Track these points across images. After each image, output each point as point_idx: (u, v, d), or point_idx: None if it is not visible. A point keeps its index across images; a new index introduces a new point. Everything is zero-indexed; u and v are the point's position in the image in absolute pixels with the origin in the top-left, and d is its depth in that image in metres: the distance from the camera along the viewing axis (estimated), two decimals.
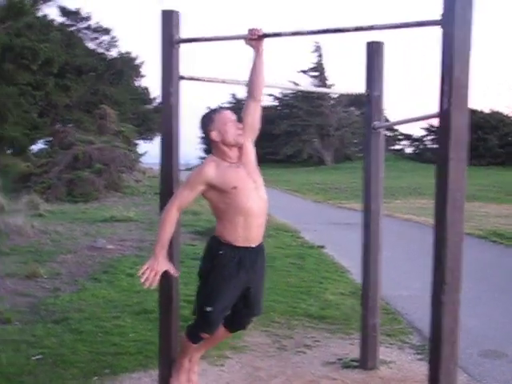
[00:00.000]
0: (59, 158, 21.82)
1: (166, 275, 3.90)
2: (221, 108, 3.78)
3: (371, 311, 4.84)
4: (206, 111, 3.73)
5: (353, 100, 59.32)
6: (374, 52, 4.68)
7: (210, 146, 3.73)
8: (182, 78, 3.97)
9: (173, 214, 3.54)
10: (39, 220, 14.30)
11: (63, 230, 13.19)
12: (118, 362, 4.90)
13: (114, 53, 38.87)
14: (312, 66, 58.06)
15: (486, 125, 48.93)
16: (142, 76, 40.28)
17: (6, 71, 27.18)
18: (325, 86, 53.50)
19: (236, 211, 3.56)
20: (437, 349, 3.22)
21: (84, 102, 33.90)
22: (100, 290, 7.60)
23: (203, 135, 3.71)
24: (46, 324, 6.01)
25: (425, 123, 52.97)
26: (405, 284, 8.26)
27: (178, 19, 3.87)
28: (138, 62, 38.88)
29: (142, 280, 3.45)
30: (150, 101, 40.88)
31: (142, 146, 42.96)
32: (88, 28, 37.78)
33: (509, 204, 22.51)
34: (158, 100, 42.35)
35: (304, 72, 58.18)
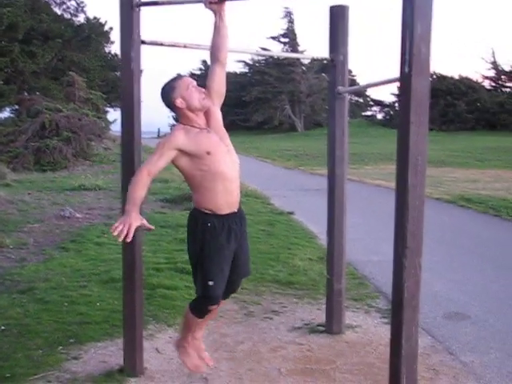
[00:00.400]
0: (26, 126, 21.47)
1: (129, 243, 3.86)
2: (180, 75, 3.69)
3: (336, 276, 4.86)
4: (166, 82, 3.62)
5: (324, 66, 59.15)
6: (338, 16, 4.61)
7: (177, 115, 3.64)
8: (143, 42, 3.87)
9: (143, 177, 3.36)
10: (6, 190, 14.13)
11: (30, 200, 13.05)
12: (83, 331, 4.87)
13: (81, 18, 38.21)
14: (282, 32, 57.66)
15: (455, 91, 49.33)
16: (112, 42, 39.50)
17: None
18: (296, 52, 53.24)
19: (214, 177, 3.47)
20: (398, 312, 3.23)
21: (51, 69, 33.29)
22: (67, 259, 7.54)
23: (167, 106, 3.59)
24: (11, 295, 5.94)
25: (395, 88, 53.24)
26: (375, 249, 8.33)
27: None
28: (106, 27, 38.18)
29: (115, 233, 3.19)
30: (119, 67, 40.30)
31: (112, 114, 42.42)
32: None
33: (477, 169, 22.74)
34: None
35: (274, 38, 57.83)
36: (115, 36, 40.52)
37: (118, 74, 38.77)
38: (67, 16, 37.72)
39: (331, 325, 4.91)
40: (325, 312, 5.04)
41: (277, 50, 55.03)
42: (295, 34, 57.09)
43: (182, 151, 3.42)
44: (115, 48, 38.71)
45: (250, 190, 15.09)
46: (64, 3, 37.45)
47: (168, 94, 3.54)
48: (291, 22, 57.13)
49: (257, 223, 10.33)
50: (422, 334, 4.88)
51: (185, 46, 3.98)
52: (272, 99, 54.93)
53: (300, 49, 54.62)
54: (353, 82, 63.09)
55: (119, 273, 6.49)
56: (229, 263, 3.62)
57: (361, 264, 7.36)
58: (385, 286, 6.38)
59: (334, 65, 4.65)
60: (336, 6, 4.62)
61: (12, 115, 32.29)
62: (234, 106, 54.78)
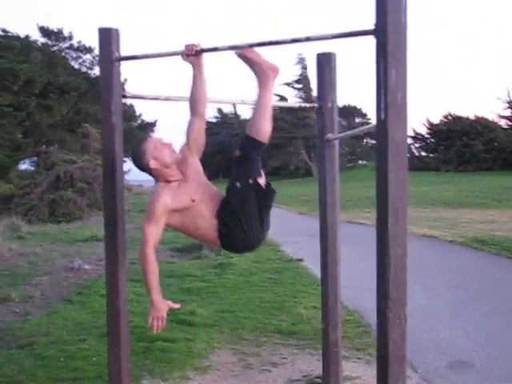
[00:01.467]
0: (41, 178, 21.69)
1: (111, 301, 3.83)
2: (145, 136, 3.71)
3: (332, 326, 4.74)
4: (135, 148, 3.61)
5: (339, 111, 59.59)
6: (325, 63, 4.60)
7: (154, 176, 3.63)
8: (124, 96, 3.89)
9: (151, 256, 3.42)
10: (19, 242, 14.18)
11: (42, 252, 13.08)
12: None
13: (96, 71, 38.83)
14: (296, 78, 58.21)
15: (471, 131, 49.14)
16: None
17: None
18: (310, 97, 53.68)
19: (205, 218, 3.50)
20: (384, 367, 3.13)
21: (67, 122, 33.82)
22: (71, 312, 7.50)
23: (144, 171, 3.60)
24: (10, 350, 5.90)
25: (411, 130, 53.27)
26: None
27: (117, 37, 3.79)
28: (121, 79, 38.73)
29: (154, 330, 3.51)
30: (135, 118, 40.85)
31: (127, 164, 42.80)
32: (70, 47, 37.78)
33: (494, 209, 22.51)
34: (143, 117, 42.52)
35: (288, 84, 58.36)
36: (130, 87, 41.22)
37: (134, 123, 39.39)
38: (83, 69, 38.47)
39: (328, 377, 4.76)
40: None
41: (291, 96, 55.43)
42: (308, 80, 57.64)
43: (170, 211, 3.43)
44: (129, 100, 39.29)
45: None
46: (80, 57, 38.26)
47: (140, 159, 3.54)
48: (304, 68, 57.80)
49: (264, 271, 10.25)
50: None
51: (167, 99, 3.98)
52: (287, 145, 55.19)
53: (314, 94, 55.01)
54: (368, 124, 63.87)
55: None
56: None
57: (368, 311, 7.21)
58: None
59: (322, 112, 4.62)
60: (322, 54, 4.61)
61: (30, 167, 32.87)
62: None
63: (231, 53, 3.56)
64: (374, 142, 63.65)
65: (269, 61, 3.58)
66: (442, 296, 7.72)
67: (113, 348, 3.90)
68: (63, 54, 37.13)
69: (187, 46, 3.52)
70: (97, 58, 38.92)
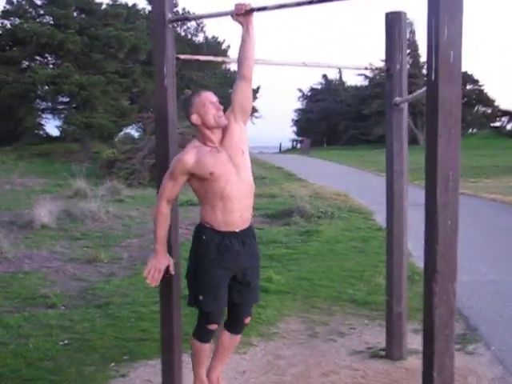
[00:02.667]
0: (143, 143, 22.21)
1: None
2: (201, 90, 3.62)
3: (396, 298, 4.58)
4: (186, 96, 3.59)
5: None
6: (394, 23, 4.38)
7: (195, 130, 3.59)
8: (178, 58, 3.84)
9: (164, 210, 3.50)
10: (117, 205, 14.60)
11: (137, 215, 13.42)
12: (139, 348, 4.89)
13: (200, 38, 39.34)
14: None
15: None
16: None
17: (94, 60, 27.96)
18: (418, 63, 52.09)
19: (214, 196, 3.45)
20: (429, 342, 2.95)
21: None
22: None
23: (187, 120, 3.57)
24: (88, 309, 6.10)
25: None
26: (469, 268, 7.82)
27: None
28: (224, 46, 39.07)
29: (148, 280, 3.51)
30: None
31: None
32: (176, 14, 38.33)
33: None
34: None
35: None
36: (233, 53, 41.40)
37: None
38: (188, 36, 38.95)
39: (391, 350, 4.63)
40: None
41: None
42: (417, 45, 55.78)
43: (190, 173, 3.41)
44: (234, 65, 39.42)
45: (355, 205, 14.81)
46: (185, 24, 38.70)
47: (185, 109, 3.53)
48: (412, 32, 55.91)
49: (351, 239, 10.08)
50: (493, 363, 4.55)
51: (223, 61, 3.89)
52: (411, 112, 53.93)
53: (422, 60, 53.32)
54: (480, 92, 61.25)
55: None
56: (224, 282, 3.57)
57: None
58: (468, 309, 5.99)
59: (390, 74, 4.41)
60: (392, 13, 4.39)
61: (137, 133, 33.82)
62: (354, 119, 54.33)
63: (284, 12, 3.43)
64: (485, 109, 61.22)
65: None
66: None
67: (164, 312, 3.92)
68: None
69: (237, 6, 3.42)
70: (202, 25, 39.46)
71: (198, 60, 4.00)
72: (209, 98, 3.49)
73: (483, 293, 6.59)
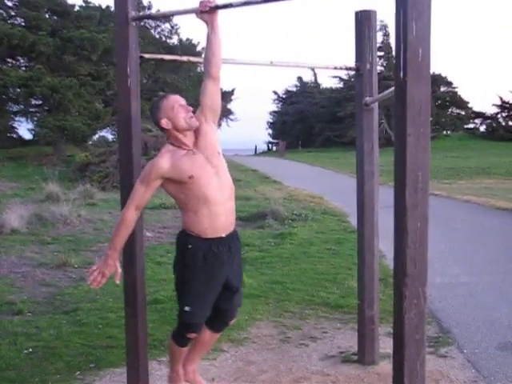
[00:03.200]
0: (117, 146, 22.00)
1: (127, 270, 3.73)
2: (168, 94, 3.51)
3: (368, 302, 4.51)
4: (153, 102, 3.47)
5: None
6: (363, 22, 4.30)
7: (165, 135, 3.47)
8: (142, 57, 3.73)
9: (130, 216, 3.31)
10: (89, 209, 14.40)
11: (109, 219, 13.23)
12: (106, 355, 4.76)
13: (175, 40, 39.09)
14: (378, 45, 56.71)
15: None
16: None
17: (67, 63, 27.66)
18: (392, 65, 52.24)
19: (197, 201, 3.32)
20: (399, 348, 2.88)
21: (146, 91, 34.13)
22: (122, 279, 7.50)
23: (156, 126, 3.46)
24: (55, 315, 5.95)
25: (498, 99, 51.32)
26: (442, 271, 7.80)
27: None
28: (199, 48, 38.82)
29: (89, 281, 3.31)
30: None
31: None
32: (139, 11, 38.04)
33: None
34: (221, 86, 42.50)
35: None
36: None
37: None
38: (162, 38, 38.72)
39: (363, 354, 4.55)
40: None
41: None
42: (391, 48, 55.98)
43: (165, 178, 3.26)
44: None
45: (329, 207, 14.79)
46: (159, 26, 38.47)
47: (154, 114, 3.40)
48: (386, 35, 56.15)
49: (325, 242, 10.02)
50: (465, 367, 4.50)
51: (188, 61, 3.80)
52: (385, 114, 54.05)
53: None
54: (454, 95, 61.67)
55: (164, 294, 6.42)
56: (212, 291, 3.43)
57: None
58: (441, 311, 5.95)
59: (360, 74, 4.34)
60: (362, 11, 4.32)
61: (111, 135, 33.55)
62: (329, 121, 54.41)
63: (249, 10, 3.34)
64: (459, 111, 61.73)
65: None
66: (509, 272, 7.31)
67: (129, 319, 3.80)
68: (142, 23, 37.36)
69: (201, 3, 3.31)
70: (176, 27, 39.23)
71: (174, 61, 3.90)
72: (177, 100, 3.38)
73: (456, 295, 6.55)
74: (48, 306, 6.34)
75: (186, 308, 3.38)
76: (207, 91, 3.44)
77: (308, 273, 7.68)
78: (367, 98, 4.31)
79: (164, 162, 3.27)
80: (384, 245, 9.23)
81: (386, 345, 4.72)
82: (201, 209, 3.32)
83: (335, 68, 4.26)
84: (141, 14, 3.67)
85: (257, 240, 10.28)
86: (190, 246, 3.36)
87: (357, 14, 4.33)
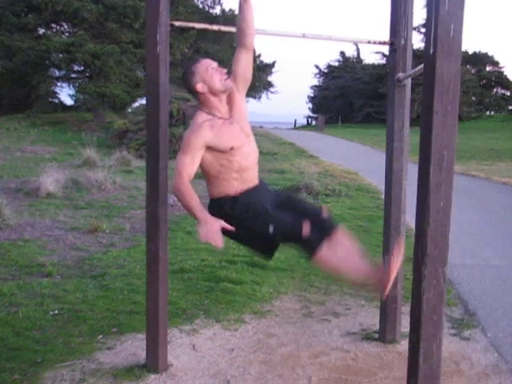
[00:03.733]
0: None
1: (150, 238, 3.73)
2: (199, 58, 3.46)
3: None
4: (186, 67, 3.43)
5: (468, 58, 56.74)
6: None
7: (199, 101, 3.42)
8: (172, 25, 3.70)
9: (187, 185, 3.17)
10: (125, 176, 14.53)
11: (144, 186, 13.32)
12: (128, 321, 4.81)
13: (217, 10, 38.88)
14: (423, 21, 55.68)
15: None
16: None
17: (109, 30, 27.74)
18: None
19: (230, 170, 3.29)
20: (416, 328, 2.86)
21: (187, 60, 34.16)
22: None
23: (190, 93, 3.41)
24: (83, 279, 6.02)
25: None
26: (473, 251, 7.70)
27: None
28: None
29: (213, 244, 3.05)
30: (254, 59, 40.62)
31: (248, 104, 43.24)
32: None
33: None
34: (262, 58, 42.27)
35: (414, 29, 55.84)
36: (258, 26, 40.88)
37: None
38: (205, 8, 38.57)
39: (384, 333, 4.52)
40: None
41: (416, 41, 53.25)
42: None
43: (208, 146, 3.23)
44: None
45: (364, 183, 14.66)
46: None
47: (188, 80, 3.35)
48: None
49: (357, 218, 9.94)
50: (488, 350, 4.43)
51: (219, 30, 3.76)
52: (414, 90, 53.36)
53: None
54: (499, 75, 60.36)
55: (191, 263, 6.46)
56: (281, 210, 3.33)
57: (450, 267, 6.77)
58: (468, 293, 5.86)
59: (393, 49, 4.24)
60: None
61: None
62: (370, 98, 53.70)
63: None
64: (504, 91, 60.45)
65: None
66: None
67: (150, 287, 3.84)
68: None
69: None
70: None
71: (216, 31, 3.86)
72: (210, 63, 3.35)
73: (485, 277, 6.46)
74: (77, 269, 6.43)
75: (270, 228, 3.22)
76: (239, 61, 3.41)
77: None
78: (400, 74, 4.22)
79: (207, 130, 3.22)
80: (413, 223, 9.13)
81: (408, 324, 4.68)
82: (233, 176, 3.31)
83: (369, 42, 4.17)
84: None
85: None
86: (229, 210, 3.28)
87: None
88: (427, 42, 2.72)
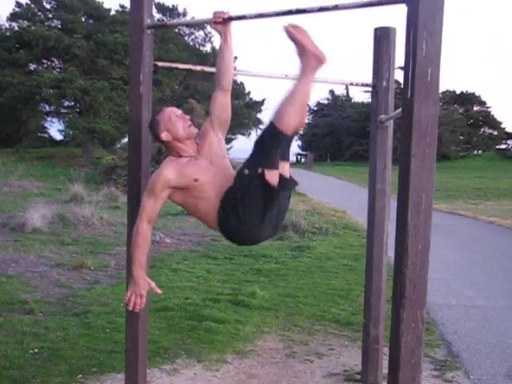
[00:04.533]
0: None
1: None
2: (162, 107, 3.48)
3: (373, 321, 4.45)
4: (150, 118, 3.45)
5: (456, 97, 57.45)
6: (382, 39, 4.27)
7: (166, 148, 3.44)
8: (156, 65, 3.74)
9: (144, 232, 3.22)
10: (112, 212, 14.51)
11: None
12: (109, 360, 4.75)
13: (208, 48, 39.32)
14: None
15: None
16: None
17: (100, 66, 27.97)
18: None
19: (207, 201, 3.27)
20: (394, 371, 2.83)
21: (176, 97, 34.38)
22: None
23: (157, 141, 3.43)
24: (65, 316, 5.96)
25: None
26: (458, 292, 7.71)
27: (149, 3, 3.64)
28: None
29: (130, 307, 3.20)
30: (243, 96, 40.97)
31: (234, 141, 43.64)
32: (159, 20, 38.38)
33: None
34: (251, 95, 42.64)
35: (402, 68, 56.56)
36: (240, 65, 41.26)
37: (241, 102, 39.52)
38: (196, 46, 39.01)
39: (366, 374, 4.50)
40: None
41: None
42: None
43: (173, 187, 3.24)
44: (240, 78, 39.37)
45: (351, 222, 14.72)
46: (193, 33, 38.74)
47: (153, 129, 3.37)
48: None
49: (342, 257, 9.95)
50: None
51: (202, 70, 3.80)
52: (398, 130, 53.76)
53: None
54: (487, 114, 61.14)
55: (175, 301, 6.42)
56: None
57: (435, 307, 6.79)
58: (452, 334, 5.85)
59: (375, 91, 4.30)
60: (380, 28, 4.28)
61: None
62: (358, 136, 54.15)
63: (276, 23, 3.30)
64: (491, 131, 61.13)
65: (318, 47, 3.03)
66: None
67: (130, 325, 3.79)
68: (177, 30, 37.66)
69: (215, 14, 3.30)
70: (210, 35, 39.43)
71: (203, 70, 3.91)
72: (173, 111, 3.36)
73: (470, 318, 6.45)
74: (59, 307, 6.37)
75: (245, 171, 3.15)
76: (217, 102, 3.43)
77: (322, 287, 7.62)
78: (382, 116, 4.27)
79: (169, 171, 3.24)
80: None
81: None
82: (211, 204, 3.28)
83: (351, 84, 4.23)
84: (156, 22, 3.67)
85: (274, 252, 10.25)
86: (228, 221, 3.20)
87: (376, 30, 4.30)
88: (405, 86, 2.75)
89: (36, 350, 4.93)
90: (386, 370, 4.50)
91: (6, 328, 5.47)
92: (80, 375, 4.45)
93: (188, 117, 3.33)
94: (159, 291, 3.27)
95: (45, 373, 4.47)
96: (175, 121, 3.29)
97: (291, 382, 4.50)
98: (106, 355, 4.86)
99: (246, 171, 3.14)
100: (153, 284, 3.24)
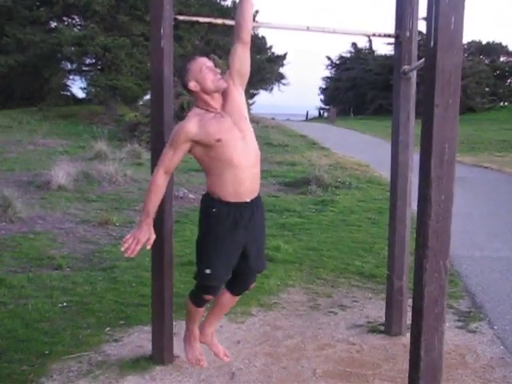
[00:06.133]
0: None
1: (159, 226, 3.74)
2: (195, 56, 3.46)
3: (397, 273, 4.47)
4: (181, 65, 3.44)
5: (482, 48, 56.33)
6: None
7: (193, 98, 3.44)
8: (176, 19, 3.72)
9: (159, 181, 3.30)
10: (136, 169, 14.57)
11: None
12: (136, 313, 4.85)
13: (228, 2, 38.76)
14: None
15: None
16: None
17: (120, 23, 27.76)
18: None
19: (223, 165, 3.27)
20: (418, 320, 2.86)
21: (198, 52, 34.14)
22: None
23: (184, 89, 3.43)
24: (92, 272, 6.08)
25: None
26: (481, 244, 7.68)
27: None
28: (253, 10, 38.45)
29: (123, 248, 3.21)
30: (265, 50, 40.52)
31: (256, 96, 43.27)
32: None
33: None
34: (273, 49, 42.15)
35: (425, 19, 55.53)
36: (262, 18, 40.73)
37: (263, 56, 39.12)
38: (216, 0, 38.45)
39: (390, 325, 4.54)
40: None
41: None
42: None
43: (194, 141, 3.24)
44: (262, 31, 38.93)
45: (374, 175, 14.64)
46: None
47: (182, 77, 3.36)
48: None
49: (366, 211, 9.94)
50: (494, 343, 4.43)
51: (223, 24, 3.77)
52: (421, 82, 53.02)
53: None
54: None
55: None
56: (234, 255, 3.41)
57: (459, 259, 6.79)
58: (476, 286, 5.85)
59: (399, 42, 4.23)
60: None
61: None
62: (382, 89, 53.38)
63: None
64: None
65: None
66: None
67: (155, 279, 3.86)
68: None
69: None
70: None
71: (224, 23, 3.87)
72: (204, 62, 3.35)
73: (493, 270, 6.44)
74: (86, 262, 6.49)
75: (207, 271, 3.37)
76: (236, 55, 3.40)
77: (345, 241, 7.65)
78: (405, 67, 4.22)
79: (192, 125, 3.24)
80: None
81: None
82: (225, 173, 3.27)
83: (373, 35, 4.17)
84: None
85: (298, 206, 10.27)
86: (213, 210, 3.34)
87: None
88: (428, 35, 2.72)
89: (65, 304, 5.05)
90: (409, 322, 4.56)
91: (35, 283, 5.60)
92: (108, 328, 4.55)
93: (219, 70, 3.32)
94: (149, 247, 3.33)
95: (74, 325, 4.58)
96: (205, 72, 3.29)
97: (315, 334, 4.56)
98: (132, 308, 4.97)
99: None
100: (153, 236, 3.29)
